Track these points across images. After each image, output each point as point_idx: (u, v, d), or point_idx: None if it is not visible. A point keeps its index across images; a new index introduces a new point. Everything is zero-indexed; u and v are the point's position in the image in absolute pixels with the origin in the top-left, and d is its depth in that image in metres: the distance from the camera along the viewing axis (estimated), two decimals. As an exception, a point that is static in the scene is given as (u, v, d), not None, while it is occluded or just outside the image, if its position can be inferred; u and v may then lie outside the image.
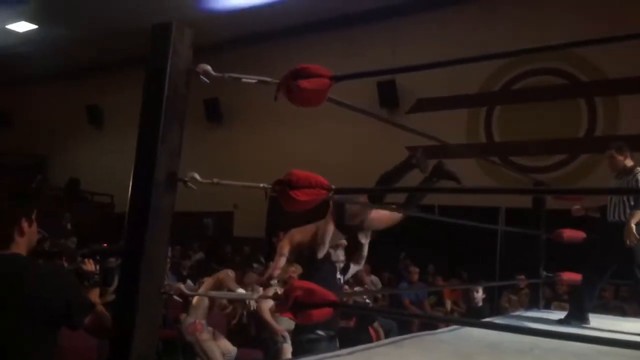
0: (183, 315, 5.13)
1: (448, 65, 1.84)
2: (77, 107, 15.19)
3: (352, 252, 3.80)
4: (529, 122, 9.61)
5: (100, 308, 1.90)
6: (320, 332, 3.43)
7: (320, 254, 3.46)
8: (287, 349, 4.89)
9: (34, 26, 12.41)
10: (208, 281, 5.03)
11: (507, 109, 10.07)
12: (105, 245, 3.69)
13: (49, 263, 1.96)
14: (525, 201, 5.25)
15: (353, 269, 3.93)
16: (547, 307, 5.16)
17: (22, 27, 12.44)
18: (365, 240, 3.81)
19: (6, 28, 12.37)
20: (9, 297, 1.68)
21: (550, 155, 9.53)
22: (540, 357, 2.60)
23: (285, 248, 3.63)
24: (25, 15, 11.91)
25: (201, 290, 4.86)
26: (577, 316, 3.89)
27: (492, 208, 8.82)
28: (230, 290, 4.65)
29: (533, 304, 4.59)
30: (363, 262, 4.01)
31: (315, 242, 3.53)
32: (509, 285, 7.22)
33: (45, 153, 16.11)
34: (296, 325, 3.77)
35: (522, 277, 5.66)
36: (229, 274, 5.14)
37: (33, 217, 1.84)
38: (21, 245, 1.80)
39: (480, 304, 6.65)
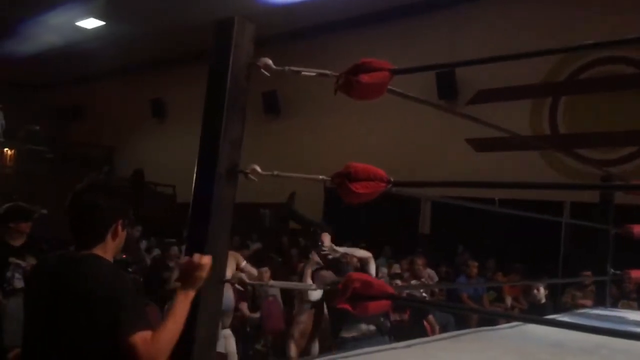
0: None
1: (513, 59, 1.79)
2: (141, 100, 15.74)
3: None
4: (596, 113, 9.21)
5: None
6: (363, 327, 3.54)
7: None
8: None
9: (101, 23, 12.92)
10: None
11: (573, 100, 9.68)
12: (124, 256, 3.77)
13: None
14: (592, 195, 5.04)
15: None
16: (614, 305, 4.95)
17: (91, 23, 12.98)
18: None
19: (76, 25, 12.93)
20: (65, 300, 1.55)
21: (618, 148, 9.11)
22: (608, 357, 2.50)
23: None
24: (94, 12, 12.41)
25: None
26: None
27: (556, 202, 8.52)
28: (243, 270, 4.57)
29: (599, 303, 4.41)
30: None
31: None
32: (573, 282, 6.97)
33: (112, 145, 16.79)
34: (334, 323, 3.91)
35: (589, 273, 5.45)
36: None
37: (127, 220, 1.72)
38: (109, 248, 1.67)
39: (543, 300, 6.44)
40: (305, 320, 4.58)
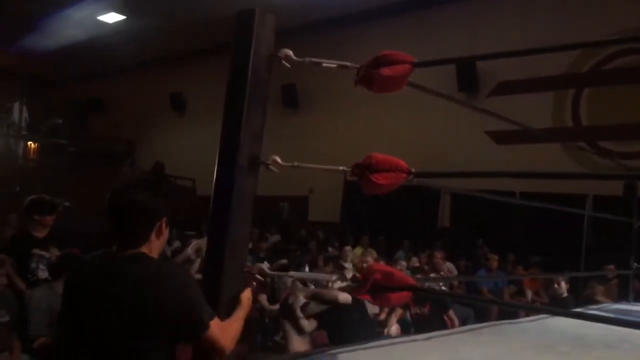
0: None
1: (536, 54, 1.77)
2: (161, 94, 15.86)
3: None
4: (620, 105, 9.03)
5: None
6: None
7: None
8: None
9: (122, 17, 13.02)
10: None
11: (597, 92, 9.51)
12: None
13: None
14: (615, 188, 4.95)
15: None
16: (638, 300, 4.88)
17: (112, 18, 13.09)
18: None
19: (98, 19, 13.05)
20: (121, 301, 1.49)
21: (643, 140, 8.94)
22: (631, 351, 2.46)
23: None
24: (115, 7, 12.52)
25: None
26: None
27: (578, 195, 8.40)
28: None
29: (622, 297, 4.35)
30: None
31: None
32: (595, 276, 6.87)
33: (132, 138, 16.96)
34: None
35: (612, 267, 5.38)
36: None
37: (169, 218, 1.66)
38: (154, 247, 1.62)
39: (565, 294, 6.37)
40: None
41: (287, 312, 4.33)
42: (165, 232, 1.64)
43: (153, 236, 1.60)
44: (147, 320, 1.47)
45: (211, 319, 1.52)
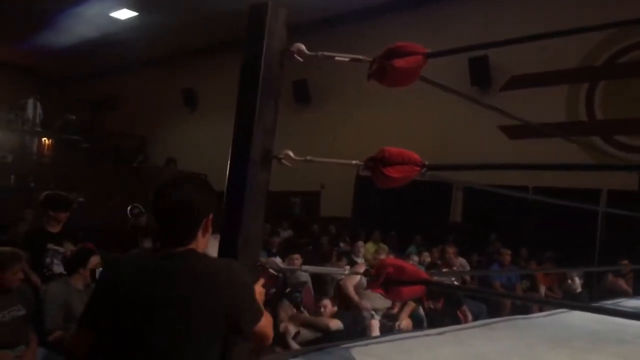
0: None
1: (550, 38, 1.74)
2: (173, 90, 15.93)
3: None
4: (636, 98, 8.92)
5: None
6: None
7: None
8: (375, 325, 4.94)
9: (134, 13, 13.08)
10: None
11: (612, 85, 9.40)
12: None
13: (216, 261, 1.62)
14: (630, 183, 4.90)
15: None
16: (653, 295, 4.84)
17: (124, 14, 13.15)
18: None
19: (110, 16, 13.12)
20: (183, 299, 1.46)
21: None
22: (646, 347, 2.44)
23: None
24: (127, 3, 12.58)
25: None
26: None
27: (592, 190, 8.32)
28: None
29: (637, 292, 4.31)
30: None
31: None
32: (609, 271, 6.81)
33: (145, 134, 17.05)
34: None
35: (626, 262, 5.33)
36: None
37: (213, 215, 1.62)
38: (200, 245, 1.59)
39: (579, 290, 6.32)
40: None
41: (280, 341, 4.33)
42: (210, 230, 1.61)
43: (200, 234, 1.57)
44: (209, 316, 1.46)
45: (261, 311, 1.56)
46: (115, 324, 1.51)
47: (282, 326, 4.43)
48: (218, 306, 1.47)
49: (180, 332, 1.45)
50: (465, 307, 6.08)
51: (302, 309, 4.77)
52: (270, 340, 1.62)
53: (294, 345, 4.30)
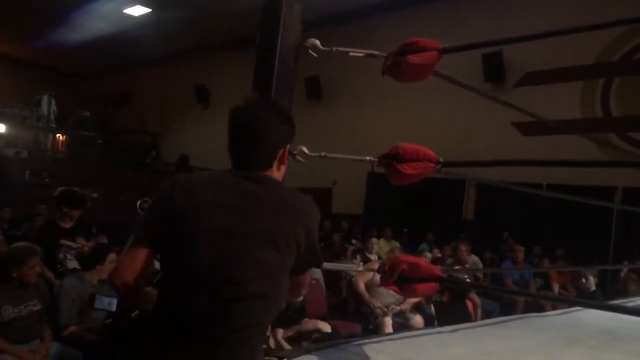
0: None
1: (566, 34, 1.72)
2: (186, 87, 15.99)
3: None
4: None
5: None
6: None
7: None
8: (388, 322, 4.92)
9: (147, 10, 13.14)
10: None
11: (628, 81, 9.28)
12: None
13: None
14: (647, 180, 4.85)
15: None
16: (669, 294, 4.78)
17: (137, 11, 13.21)
18: None
19: (123, 12, 13.20)
20: (257, 227, 1.33)
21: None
22: (662, 346, 2.41)
23: None
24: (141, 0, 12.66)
25: None
26: None
27: (607, 187, 8.23)
28: None
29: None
30: None
31: None
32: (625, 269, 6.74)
33: (157, 131, 17.15)
34: None
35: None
36: None
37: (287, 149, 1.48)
38: (275, 175, 1.45)
39: (593, 288, 6.26)
40: None
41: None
42: (286, 165, 1.48)
43: (275, 164, 1.43)
44: (289, 249, 1.35)
45: (321, 260, 1.47)
46: (187, 247, 1.31)
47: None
48: (295, 241, 1.36)
49: (267, 264, 1.32)
50: (472, 294, 5.99)
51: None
52: (299, 298, 1.54)
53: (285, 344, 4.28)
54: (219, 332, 1.29)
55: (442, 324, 4.61)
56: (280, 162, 1.44)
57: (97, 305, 3.47)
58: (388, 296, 5.14)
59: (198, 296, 1.29)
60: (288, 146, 1.45)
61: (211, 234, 1.30)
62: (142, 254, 1.35)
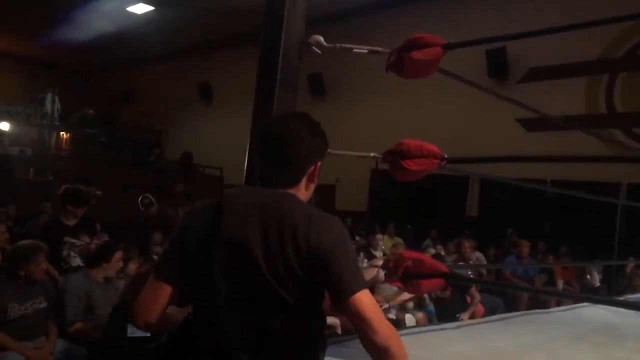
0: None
1: (570, 30, 1.72)
2: (189, 84, 16.00)
3: None
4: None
5: None
6: None
7: None
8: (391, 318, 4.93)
9: (150, 7, 13.14)
10: None
11: (632, 77, 9.24)
12: None
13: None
14: (652, 176, 4.83)
15: None
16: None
17: (141, 8, 13.22)
18: None
19: (127, 10, 13.20)
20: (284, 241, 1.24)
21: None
22: (667, 342, 2.41)
23: None
24: (144, -4, 12.68)
25: None
26: None
27: (611, 183, 8.20)
28: None
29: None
30: None
31: None
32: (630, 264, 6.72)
33: (161, 128, 17.17)
34: None
35: (647, 257, 5.26)
36: None
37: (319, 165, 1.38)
38: (302, 195, 1.36)
39: (597, 285, 6.25)
40: None
41: None
42: (315, 182, 1.38)
43: (304, 180, 1.35)
44: (298, 266, 1.24)
45: (358, 286, 1.24)
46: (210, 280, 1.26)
47: None
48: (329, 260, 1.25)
49: (285, 279, 1.23)
50: (473, 289, 5.94)
51: None
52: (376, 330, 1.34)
53: None
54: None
55: (441, 320, 4.62)
56: (310, 181, 1.37)
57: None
58: (391, 293, 5.14)
59: (221, 324, 1.25)
60: (319, 163, 1.37)
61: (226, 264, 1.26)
62: (164, 293, 1.31)
